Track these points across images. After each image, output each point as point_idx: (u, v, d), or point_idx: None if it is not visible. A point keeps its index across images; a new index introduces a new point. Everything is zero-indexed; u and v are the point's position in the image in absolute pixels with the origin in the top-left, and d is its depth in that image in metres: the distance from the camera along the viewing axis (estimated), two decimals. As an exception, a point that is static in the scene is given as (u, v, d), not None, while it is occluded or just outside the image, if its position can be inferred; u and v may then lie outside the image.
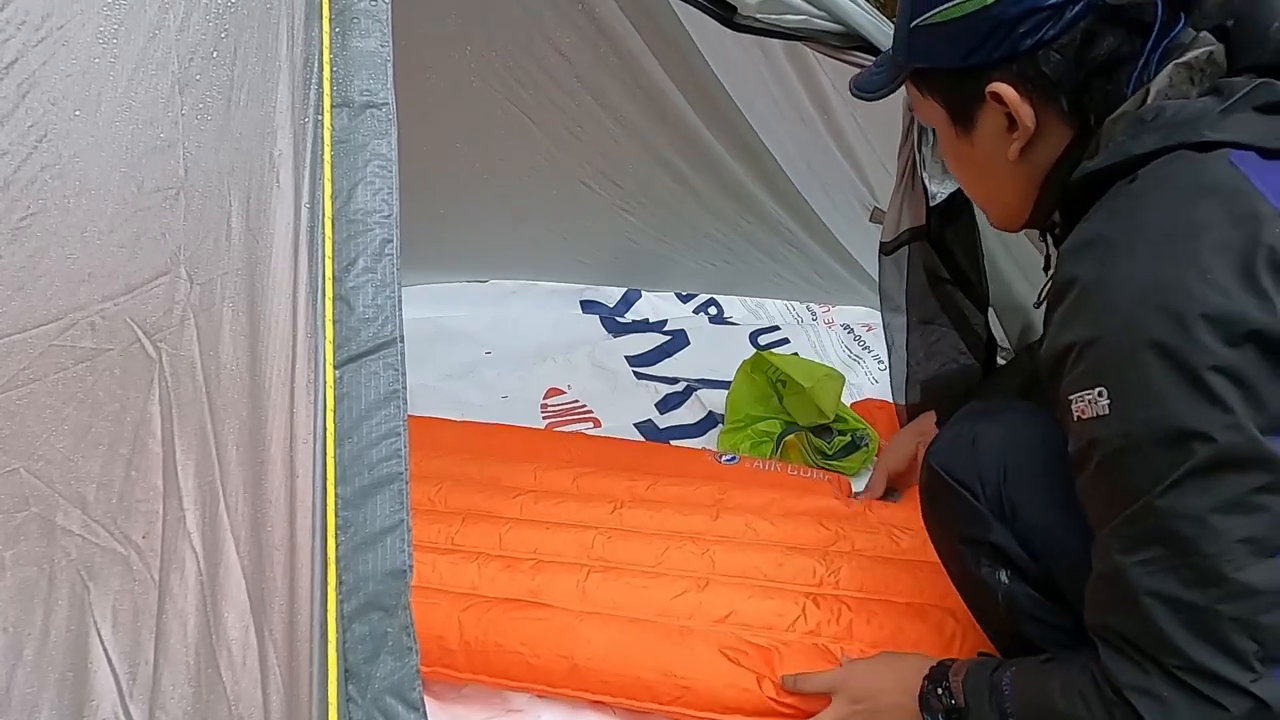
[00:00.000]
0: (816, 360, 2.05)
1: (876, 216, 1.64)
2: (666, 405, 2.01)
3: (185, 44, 0.83)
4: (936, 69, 0.96)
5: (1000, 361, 1.63)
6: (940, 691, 1.03)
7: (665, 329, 2.27)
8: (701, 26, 1.74)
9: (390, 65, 0.84)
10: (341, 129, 0.82)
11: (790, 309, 2.36)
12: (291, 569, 0.76)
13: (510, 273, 2.41)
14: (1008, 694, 0.94)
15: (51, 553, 0.78)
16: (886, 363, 2.10)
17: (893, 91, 1.04)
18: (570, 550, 1.39)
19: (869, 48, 1.26)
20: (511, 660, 1.22)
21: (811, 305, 2.34)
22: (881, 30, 1.26)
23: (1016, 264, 1.67)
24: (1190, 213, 0.76)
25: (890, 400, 1.75)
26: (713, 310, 2.39)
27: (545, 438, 1.86)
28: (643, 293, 2.41)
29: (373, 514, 0.77)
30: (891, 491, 1.62)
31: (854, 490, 1.66)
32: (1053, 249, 1.05)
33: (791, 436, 1.77)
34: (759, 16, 1.25)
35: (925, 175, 1.41)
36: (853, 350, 2.16)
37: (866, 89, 1.06)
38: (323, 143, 0.82)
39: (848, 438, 1.74)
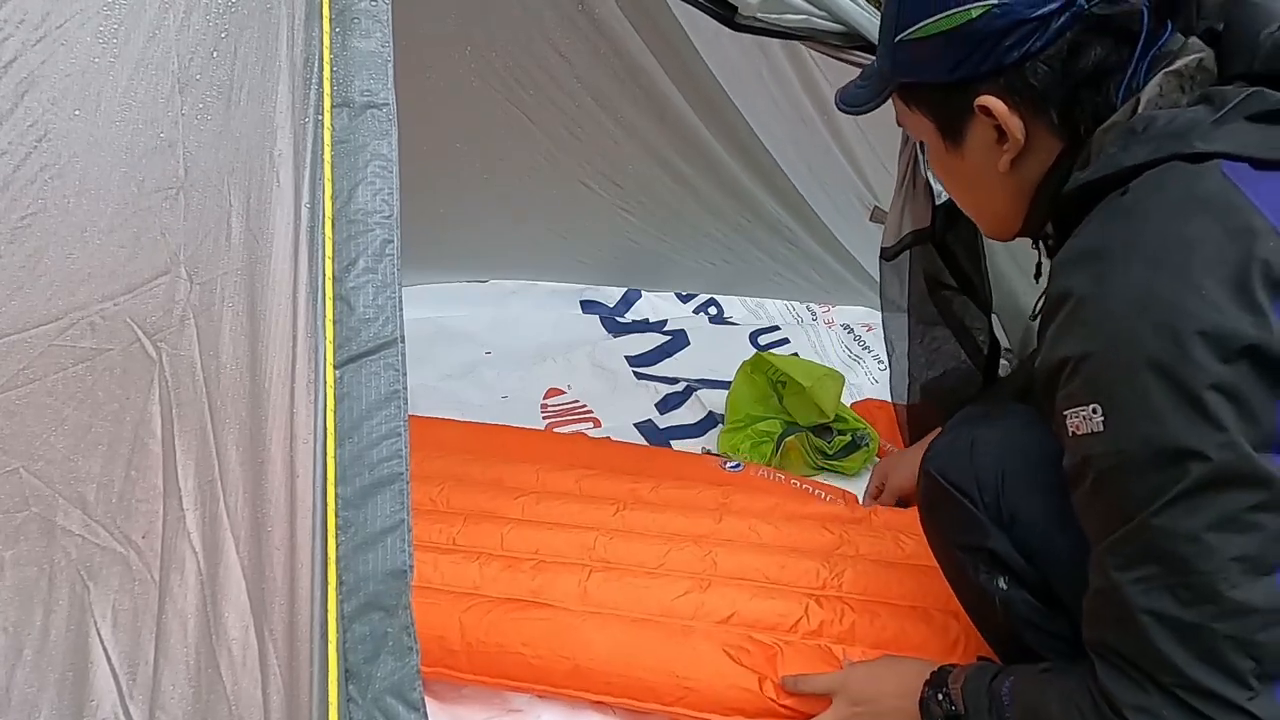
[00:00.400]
0: (816, 360, 2.05)
1: (877, 216, 1.63)
2: (666, 405, 2.01)
3: (185, 44, 0.83)
4: (923, 83, 0.95)
5: (1004, 363, 1.63)
6: (940, 697, 1.03)
7: (665, 329, 2.27)
8: (701, 27, 1.74)
9: (391, 65, 0.84)
10: (342, 129, 0.82)
11: (790, 309, 2.36)
12: (292, 569, 0.76)
13: (510, 273, 2.41)
14: (1007, 703, 0.94)
15: (51, 553, 0.78)
16: (886, 363, 2.10)
17: (879, 106, 1.03)
18: (572, 550, 1.39)
19: (869, 47, 1.26)
20: (513, 661, 1.22)
21: (811, 305, 2.34)
22: (882, 30, 1.26)
23: (1019, 269, 1.67)
24: (1183, 227, 0.76)
25: (890, 400, 1.75)
26: (713, 310, 2.39)
27: (548, 439, 1.86)
28: (643, 293, 2.41)
29: (373, 514, 0.77)
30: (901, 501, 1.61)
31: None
32: (1045, 259, 1.04)
33: (792, 437, 1.77)
34: (760, 16, 1.25)
35: (928, 173, 1.41)
36: (853, 350, 2.16)
37: (852, 103, 1.05)
38: (323, 143, 0.82)
39: (848, 437, 1.74)
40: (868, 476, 1.71)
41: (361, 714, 0.74)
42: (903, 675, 1.10)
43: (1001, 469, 1.04)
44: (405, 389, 0.79)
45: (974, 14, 0.85)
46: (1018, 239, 1.05)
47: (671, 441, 1.89)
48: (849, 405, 1.83)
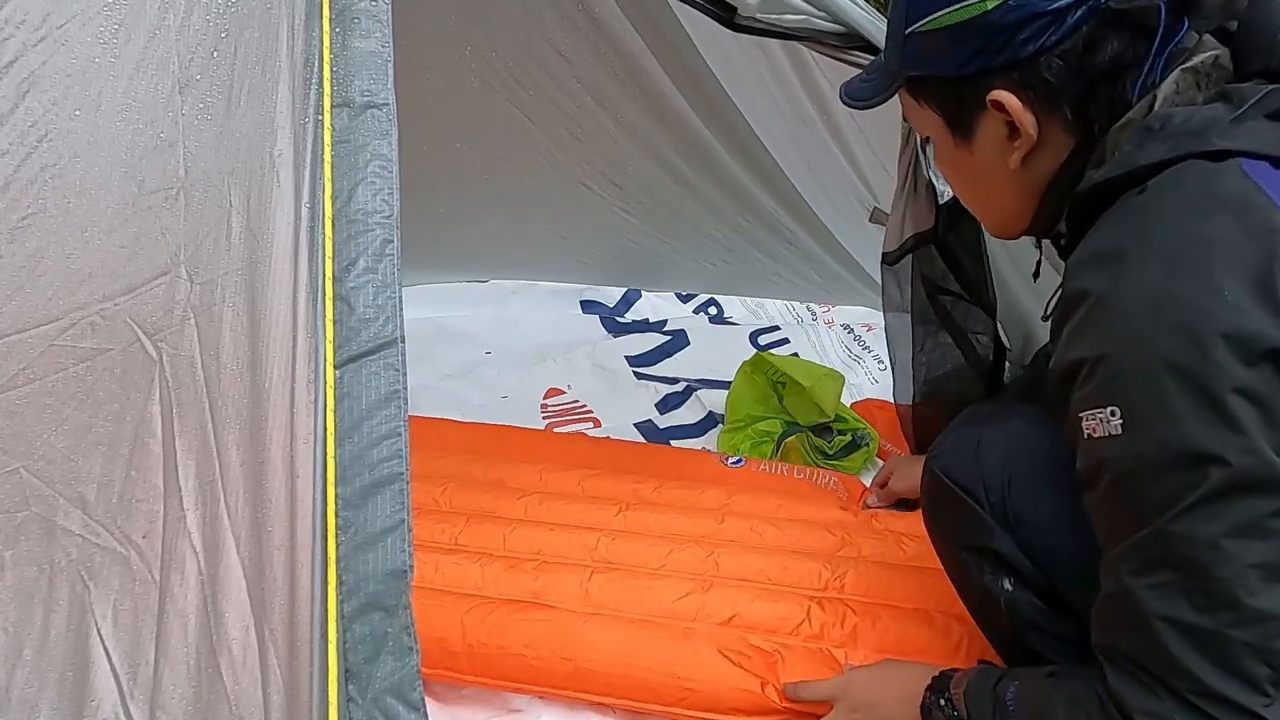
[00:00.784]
0: (816, 360, 2.05)
1: (876, 217, 1.63)
2: (666, 405, 2.01)
3: (185, 44, 0.83)
4: (933, 77, 0.93)
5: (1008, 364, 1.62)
6: (942, 703, 1.02)
7: (665, 329, 2.27)
8: (701, 27, 1.74)
9: (391, 66, 0.84)
10: (342, 129, 0.82)
11: (790, 309, 2.36)
12: (292, 569, 0.76)
13: (510, 273, 2.41)
14: (1012, 709, 0.93)
15: (52, 553, 0.78)
16: (887, 363, 2.10)
17: (886, 100, 1.01)
18: (574, 551, 1.39)
19: (869, 47, 1.26)
20: (514, 662, 1.22)
21: (811, 305, 2.35)
22: (882, 30, 1.25)
23: (1019, 272, 1.67)
24: (1202, 226, 0.74)
25: (890, 400, 1.74)
26: (713, 310, 2.39)
27: (550, 439, 1.86)
28: (643, 293, 2.41)
29: (373, 514, 0.77)
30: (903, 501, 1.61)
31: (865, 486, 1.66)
32: (1047, 259, 1.03)
33: (792, 437, 1.77)
34: (759, 17, 1.25)
35: (931, 174, 1.41)
36: (853, 350, 2.17)
37: (858, 97, 1.03)
38: (323, 143, 0.82)
39: (848, 437, 1.74)
40: (868, 477, 1.71)
41: (361, 714, 0.74)
42: (904, 680, 1.09)
43: (1008, 469, 1.03)
44: (405, 389, 0.79)
45: (989, 6, 0.83)
46: (1021, 238, 1.04)
47: (671, 441, 1.90)
48: (849, 405, 1.83)
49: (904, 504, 1.59)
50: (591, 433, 1.91)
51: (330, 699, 0.74)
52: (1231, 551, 0.72)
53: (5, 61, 0.80)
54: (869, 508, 1.60)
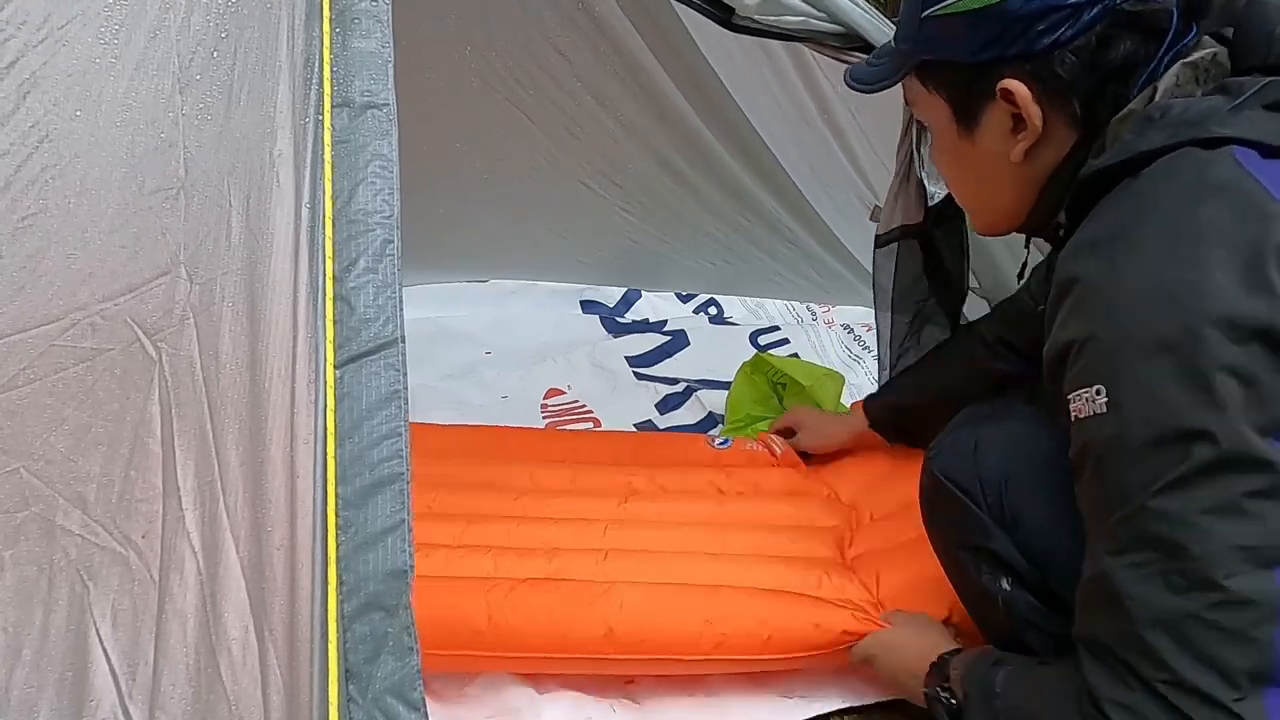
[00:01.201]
0: (817, 360, 2.06)
1: (877, 215, 1.64)
2: (666, 406, 2.01)
3: (186, 44, 0.83)
4: (945, 62, 0.93)
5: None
6: (941, 690, 1.04)
7: (665, 329, 2.27)
8: (702, 26, 1.74)
9: (391, 66, 0.85)
10: (342, 129, 0.82)
11: (790, 309, 2.36)
12: (292, 569, 0.76)
13: (510, 273, 2.41)
14: (999, 692, 0.94)
15: (51, 553, 0.78)
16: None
17: (894, 84, 1.01)
18: (584, 538, 1.38)
19: (868, 48, 1.26)
20: (545, 633, 1.19)
21: (811, 305, 2.35)
22: (881, 30, 1.26)
23: (1013, 257, 1.67)
24: (1196, 211, 0.75)
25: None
26: (713, 310, 2.39)
27: (537, 436, 1.84)
28: (643, 293, 2.41)
29: (373, 514, 0.77)
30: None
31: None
32: (1039, 255, 1.04)
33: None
34: (756, 18, 1.25)
35: (924, 174, 1.41)
36: (853, 350, 2.17)
37: (865, 80, 1.03)
38: (323, 143, 0.82)
39: None
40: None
41: (362, 714, 0.74)
42: (922, 647, 1.11)
43: (1005, 469, 1.04)
44: (406, 389, 0.79)
45: None
46: (1009, 235, 1.04)
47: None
48: (849, 405, 1.83)
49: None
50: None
51: (330, 699, 0.74)
52: (1210, 529, 0.72)
53: (7, 62, 0.80)
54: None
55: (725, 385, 1.96)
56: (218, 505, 0.78)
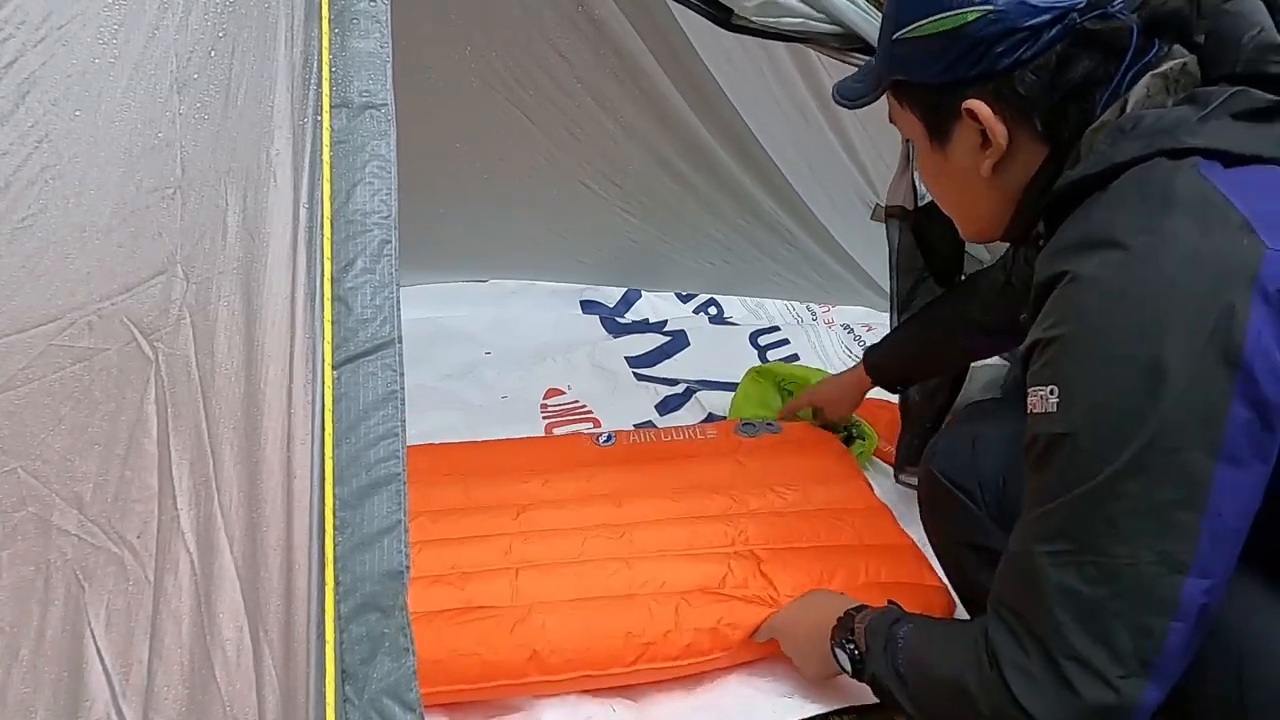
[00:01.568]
0: (818, 362, 2.06)
1: (878, 214, 1.64)
2: (666, 406, 2.01)
3: (184, 43, 0.83)
4: (915, 82, 0.96)
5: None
6: (846, 640, 1.07)
7: (665, 329, 2.27)
8: (701, 26, 1.74)
9: (389, 66, 0.84)
10: (340, 129, 0.82)
11: (790, 309, 2.36)
12: (288, 569, 0.76)
13: (510, 273, 2.42)
14: (900, 645, 0.98)
15: (47, 553, 0.78)
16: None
17: (873, 101, 1.04)
18: (490, 557, 1.36)
19: (868, 48, 1.26)
20: (470, 663, 1.19)
21: (811, 305, 2.35)
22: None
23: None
24: (1158, 222, 0.77)
25: (890, 400, 1.75)
26: (713, 310, 2.39)
27: (417, 453, 1.72)
28: (643, 293, 2.42)
29: (370, 514, 0.76)
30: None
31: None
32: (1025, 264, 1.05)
33: None
34: (755, 19, 1.25)
35: (916, 174, 1.43)
36: (853, 350, 2.17)
37: (848, 96, 1.07)
38: (321, 143, 0.82)
39: (845, 432, 1.75)
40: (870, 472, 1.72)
41: (358, 715, 0.74)
42: (819, 612, 1.14)
43: (1004, 468, 1.05)
44: (403, 389, 0.79)
45: (969, 17, 0.87)
46: (996, 242, 1.07)
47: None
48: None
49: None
50: (591, 433, 1.91)
51: (327, 700, 0.74)
52: (1130, 532, 0.76)
53: (5, 62, 0.80)
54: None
55: (725, 386, 1.96)
56: (213, 505, 0.77)
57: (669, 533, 1.42)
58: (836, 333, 2.23)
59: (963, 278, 1.57)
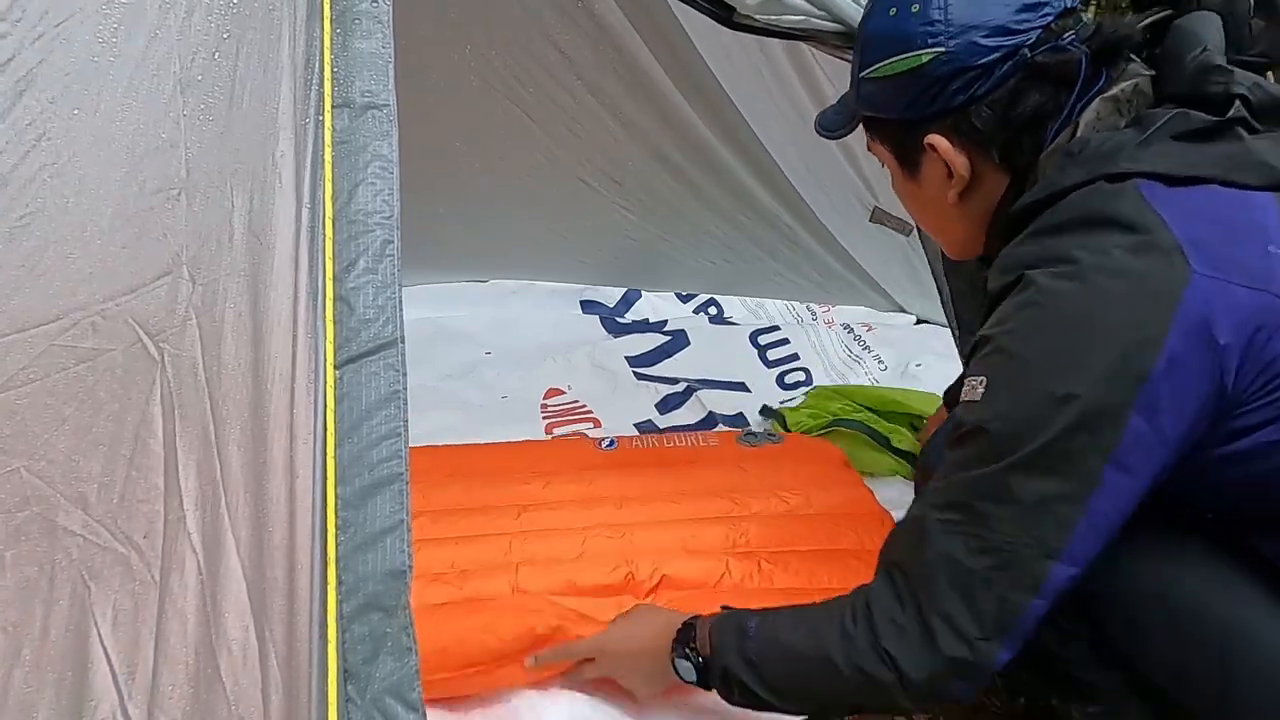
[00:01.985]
0: (819, 362, 2.07)
1: (877, 216, 1.64)
2: (667, 406, 2.01)
3: (187, 44, 0.83)
4: (881, 118, 1.02)
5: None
6: (687, 650, 1.07)
7: (665, 329, 2.27)
8: (701, 25, 1.74)
9: (391, 66, 0.85)
10: (342, 130, 0.82)
11: (790, 309, 2.36)
12: (291, 569, 0.76)
13: (510, 273, 2.42)
14: (751, 635, 1.01)
15: (52, 553, 0.78)
16: (887, 363, 2.11)
17: (849, 133, 1.10)
18: (490, 555, 1.36)
19: (869, 48, 1.26)
20: (475, 646, 1.18)
21: (811, 305, 2.35)
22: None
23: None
24: (1095, 242, 0.83)
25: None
26: (713, 310, 2.39)
27: (419, 454, 1.75)
28: (643, 293, 2.42)
29: (373, 514, 0.77)
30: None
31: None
32: None
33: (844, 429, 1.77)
34: (757, 17, 1.25)
35: None
36: (853, 350, 2.17)
37: (828, 127, 1.13)
38: (324, 143, 0.82)
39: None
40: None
41: (360, 714, 0.74)
42: (654, 630, 1.13)
43: None
44: (405, 389, 0.79)
45: (924, 59, 0.92)
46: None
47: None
48: None
49: None
50: (592, 433, 1.91)
51: (329, 699, 0.74)
52: (1015, 516, 0.84)
53: (3, 59, 0.80)
54: None
55: (725, 385, 1.96)
56: (219, 505, 0.77)
57: (669, 534, 1.42)
58: (836, 332, 2.23)
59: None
